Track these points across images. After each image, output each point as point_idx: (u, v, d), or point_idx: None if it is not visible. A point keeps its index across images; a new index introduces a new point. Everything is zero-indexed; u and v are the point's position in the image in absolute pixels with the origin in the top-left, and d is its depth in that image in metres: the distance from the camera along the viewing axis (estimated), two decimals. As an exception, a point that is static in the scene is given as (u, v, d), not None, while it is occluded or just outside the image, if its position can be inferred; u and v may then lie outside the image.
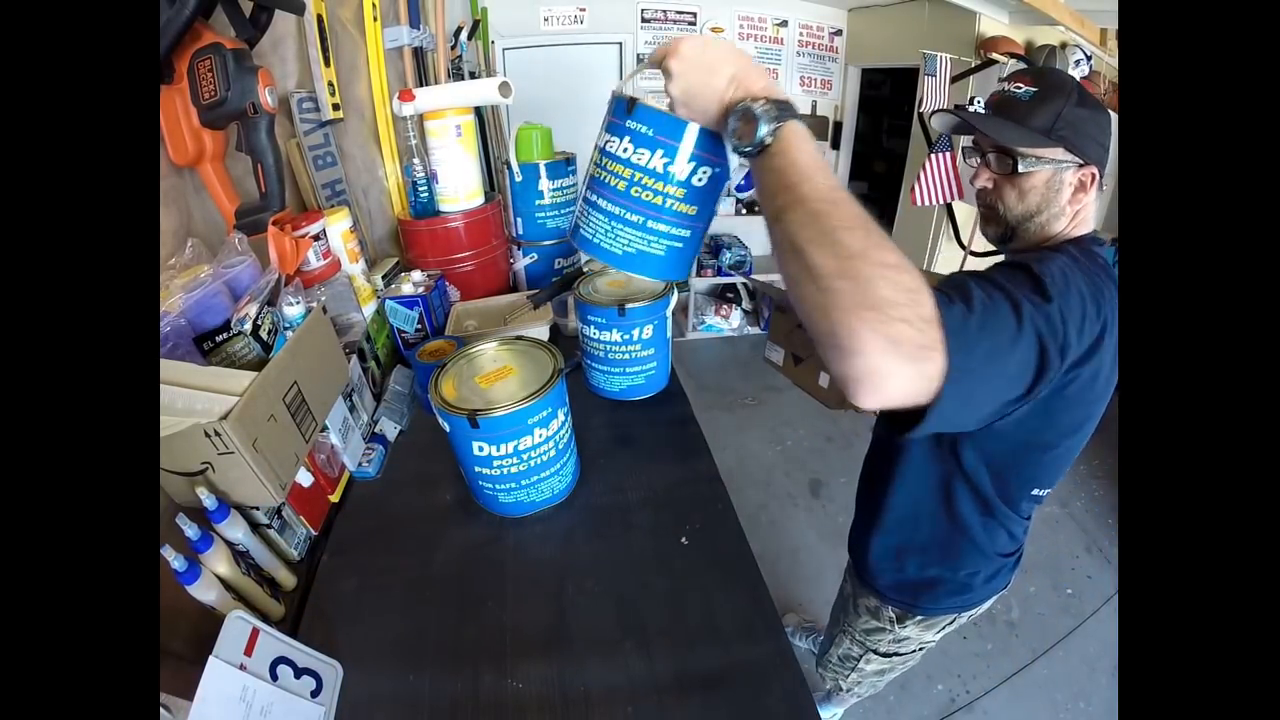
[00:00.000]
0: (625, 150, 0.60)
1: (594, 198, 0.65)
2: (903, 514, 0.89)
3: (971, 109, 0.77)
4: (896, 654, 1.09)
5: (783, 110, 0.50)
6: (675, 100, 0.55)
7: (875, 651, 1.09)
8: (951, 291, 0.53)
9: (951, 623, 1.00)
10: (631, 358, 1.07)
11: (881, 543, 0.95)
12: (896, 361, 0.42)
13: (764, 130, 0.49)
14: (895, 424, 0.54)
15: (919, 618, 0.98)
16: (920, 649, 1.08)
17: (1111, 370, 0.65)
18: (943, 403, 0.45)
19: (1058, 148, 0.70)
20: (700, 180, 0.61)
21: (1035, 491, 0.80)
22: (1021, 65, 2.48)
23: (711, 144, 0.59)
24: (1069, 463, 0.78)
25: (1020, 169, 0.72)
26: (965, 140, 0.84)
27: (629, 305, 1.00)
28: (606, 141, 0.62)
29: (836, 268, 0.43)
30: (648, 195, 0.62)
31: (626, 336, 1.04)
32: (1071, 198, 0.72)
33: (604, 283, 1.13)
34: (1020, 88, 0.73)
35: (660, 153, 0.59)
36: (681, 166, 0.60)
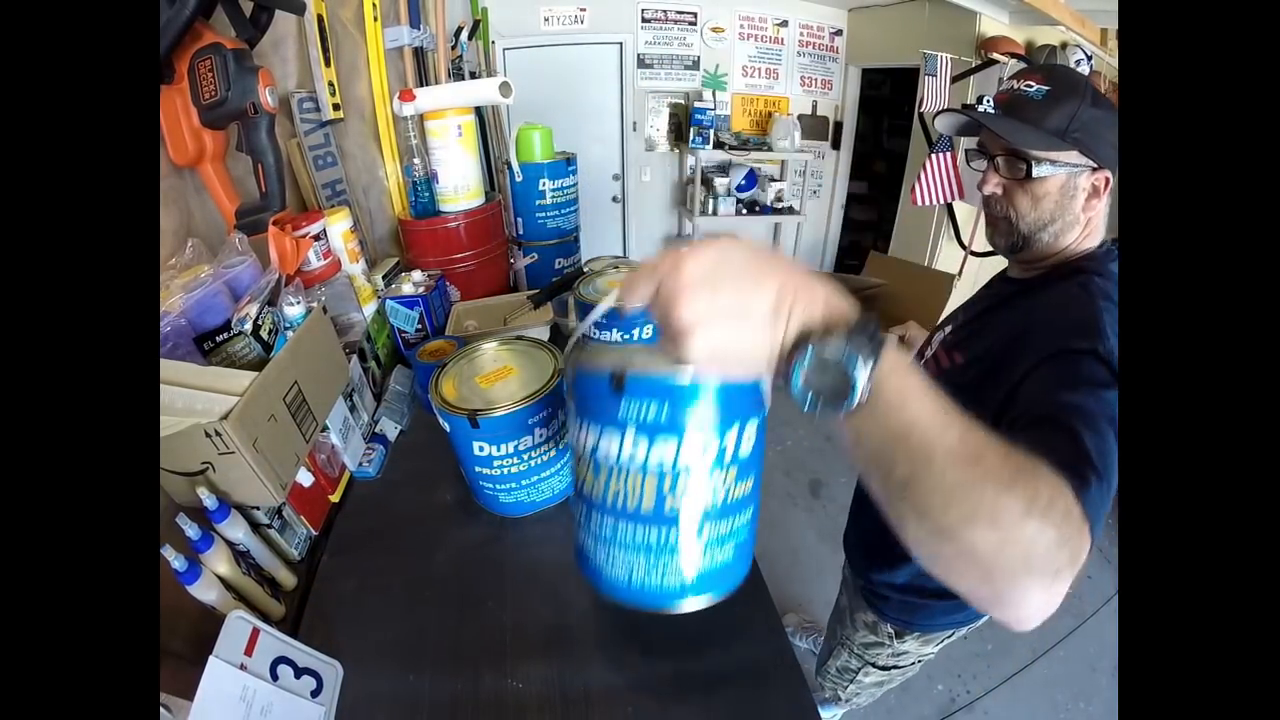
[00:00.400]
0: (640, 452, 0.42)
1: (612, 529, 0.47)
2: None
3: (980, 109, 0.73)
4: (895, 666, 1.08)
5: (868, 338, 0.34)
6: (696, 364, 0.36)
7: (874, 665, 1.08)
8: (1078, 461, 0.47)
9: (950, 636, 0.99)
10: (632, 358, 1.06)
11: (880, 560, 0.93)
12: (1057, 600, 0.37)
13: (859, 385, 0.33)
14: None
15: (917, 633, 0.98)
16: (919, 661, 1.07)
17: None
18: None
19: (1072, 151, 0.66)
20: (749, 444, 0.45)
21: None
22: (1022, 64, 2.48)
23: (751, 390, 0.43)
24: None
25: (1034, 174, 0.68)
26: (969, 142, 0.80)
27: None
28: (601, 442, 0.43)
29: (999, 541, 0.34)
30: (693, 501, 0.44)
31: (627, 337, 1.04)
32: (1085, 204, 0.69)
33: (604, 283, 1.13)
34: (1031, 86, 0.69)
35: (699, 437, 0.41)
36: (731, 441, 0.43)
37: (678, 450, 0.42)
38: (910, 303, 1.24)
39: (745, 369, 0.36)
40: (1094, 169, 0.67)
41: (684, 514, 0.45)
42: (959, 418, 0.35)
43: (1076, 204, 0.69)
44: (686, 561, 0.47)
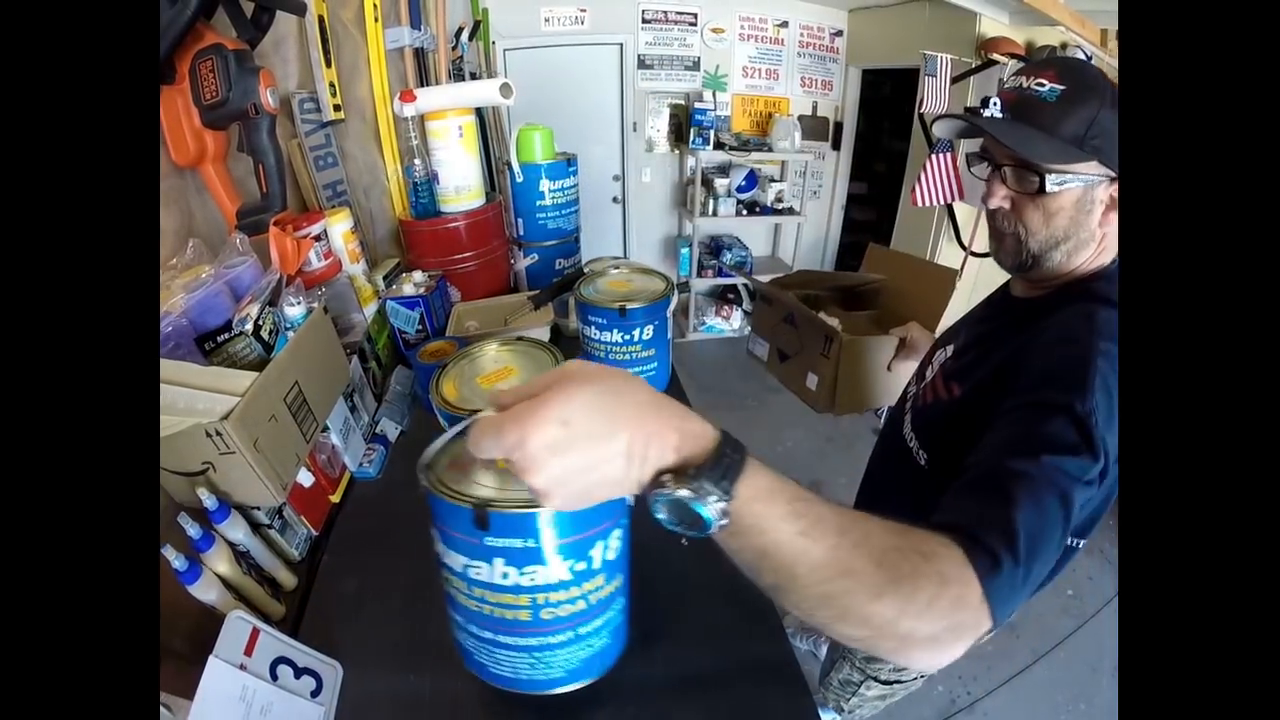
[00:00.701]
0: (506, 575, 0.45)
1: (487, 634, 0.50)
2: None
3: (986, 112, 0.65)
4: (898, 681, 1.06)
5: (721, 474, 0.35)
6: (557, 509, 0.38)
7: (876, 679, 1.07)
8: (1000, 541, 0.44)
9: None
10: (632, 358, 1.07)
11: None
12: (958, 652, 0.41)
13: (712, 521, 0.35)
14: None
15: None
16: (921, 676, 1.06)
17: None
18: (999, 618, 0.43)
19: (1091, 160, 0.59)
20: (614, 552, 0.50)
21: (1076, 541, 0.74)
22: (1021, 63, 2.48)
23: (613, 508, 0.47)
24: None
25: (1048, 187, 0.60)
26: (970, 144, 0.71)
27: (629, 306, 0.99)
28: (467, 566, 0.46)
29: (872, 635, 0.39)
30: (565, 609, 0.48)
31: (627, 337, 1.04)
32: (1102, 218, 0.62)
33: (605, 283, 1.13)
34: (1044, 85, 0.60)
35: (565, 561, 0.45)
36: (598, 554, 0.48)
37: (547, 572, 0.45)
38: (912, 299, 1.23)
39: (608, 498, 0.37)
40: (1113, 179, 0.60)
41: (559, 621, 0.49)
42: (830, 531, 0.37)
43: (1093, 219, 0.62)
44: (566, 656, 0.52)
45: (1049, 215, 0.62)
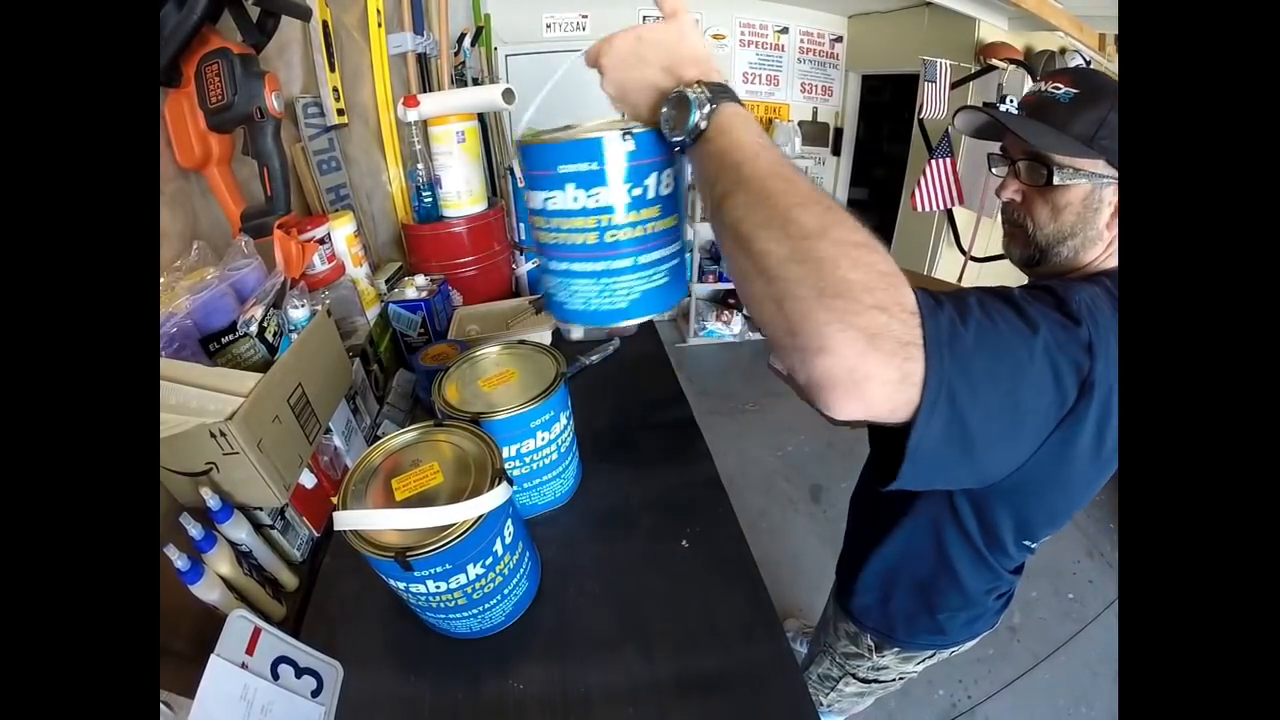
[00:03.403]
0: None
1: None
2: (890, 546, 0.86)
3: (1003, 109, 0.70)
4: (876, 680, 1.06)
5: (717, 93, 0.46)
6: (610, 99, 0.53)
7: (854, 676, 1.07)
8: (942, 297, 0.42)
9: (931, 657, 0.98)
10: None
11: (864, 570, 0.92)
12: (875, 358, 0.34)
13: (696, 115, 0.45)
14: (878, 471, 0.46)
15: (896, 649, 0.97)
16: (901, 678, 1.05)
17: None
18: (930, 423, 0.37)
19: (1099, 159, 0.61)
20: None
21: (1026, 542, 0.74)
22: (1021, 69, 2.49)
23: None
24: (1065, 519, 0.71)
25: (1055, 180, 0.63)
26: (973, 147, 0.78)
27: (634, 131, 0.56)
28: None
29: (790, 251, 0.36)
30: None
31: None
32: (1110, 220, 0.63)
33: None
34: (1059, 89, 0.63)
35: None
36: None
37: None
38: None
39: (637, 107, 0.51)
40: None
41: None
42: (786, 158, 0.44)
43: (1100, 219, 0.63)
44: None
45: (1056, 210, 0.64)
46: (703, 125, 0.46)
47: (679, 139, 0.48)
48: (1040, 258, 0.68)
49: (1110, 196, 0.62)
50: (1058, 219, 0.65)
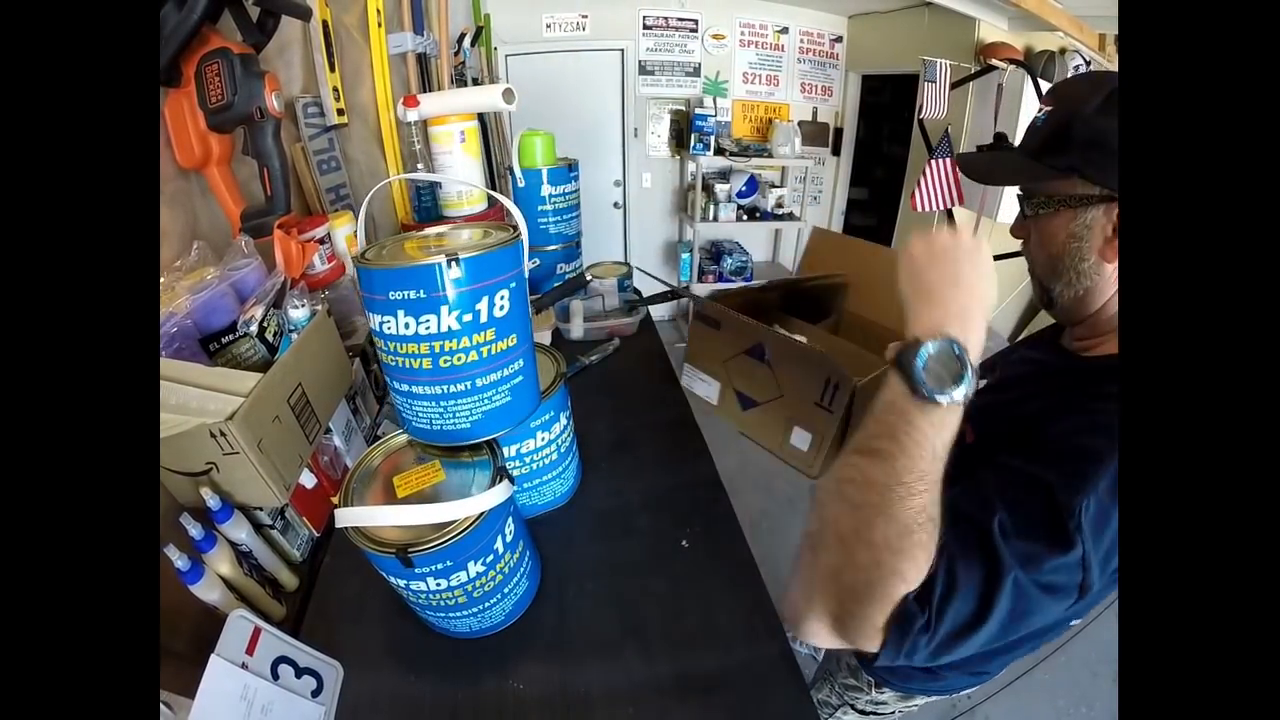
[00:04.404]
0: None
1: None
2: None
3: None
4: (874, 714, 1.04)
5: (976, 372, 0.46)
6: (904, 289, 0.52)
7: (852, 707, 1.05)
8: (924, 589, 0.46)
9: (932, 698, 0.97)
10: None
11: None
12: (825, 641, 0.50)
13: (967, 381, 0.46)
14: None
15: (896, 692, 0.96)
16: (898, 713, 1.03)
17: None
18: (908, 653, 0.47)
19: (1071, 177, 0.53)
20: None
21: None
22: (1021, 69, 2.49)
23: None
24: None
25: (1026, 210, 0.58)
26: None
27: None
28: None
29: (849, 556, 0.48)
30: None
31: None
32: (1105, 248, 0.54)
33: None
34: (1042, 111, 0.57)
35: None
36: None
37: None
38: (885, 299, 0.96)
39: (930, 307, 0.50)
40: (1110, 198, 0.52)
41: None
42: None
43: (1090, 246, 0.54)
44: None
45: (1041, 242, 0.59)
46: (968, 394, 0.46)
47: (926, 390, 0.46)
48: (1048, 298, 0.62)
49: (1099, 217, 0.53)
50: (1045, 250, 0.59)
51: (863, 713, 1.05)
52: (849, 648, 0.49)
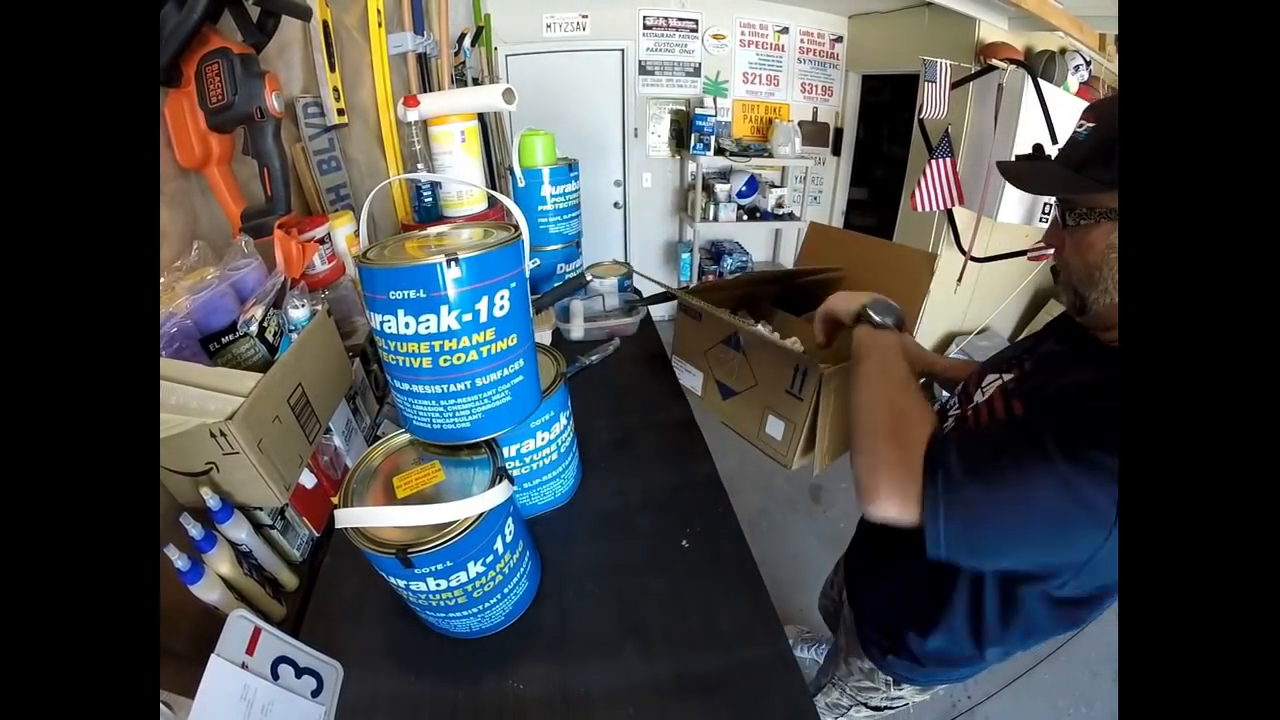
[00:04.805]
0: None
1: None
2: (931, 611, 0.78)
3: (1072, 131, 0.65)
4: (888, 708, 1.05)
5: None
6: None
7: (866, 705, 1.06)
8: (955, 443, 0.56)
9: (946, 687, 0.98)
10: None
11: (895, 624, 0.87)
12: (880, 505, 0.57)
13: (892, 317, 0.75)
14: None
15: (915, 686, 0.95)
16: (911, 705, 1.04)
17: None
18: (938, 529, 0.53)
19: (1112, 191, 0.55)
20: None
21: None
22: (1021, 70, 2.49)
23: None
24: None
25: (1069, 220, 0.60)
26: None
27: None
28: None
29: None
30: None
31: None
32: None
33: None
34: (1082, 125, 0.60)
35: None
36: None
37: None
38: (877, 291, 0.92)
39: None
40: None
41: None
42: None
43: None
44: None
45: (1078, 250, 0.61)
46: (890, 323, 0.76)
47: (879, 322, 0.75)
48: (1080, 304, 0.64)
49: None
50: (1082, 259, 0.60)
51: (877, 708, 1.05)
52: (908, 519, 0.55)
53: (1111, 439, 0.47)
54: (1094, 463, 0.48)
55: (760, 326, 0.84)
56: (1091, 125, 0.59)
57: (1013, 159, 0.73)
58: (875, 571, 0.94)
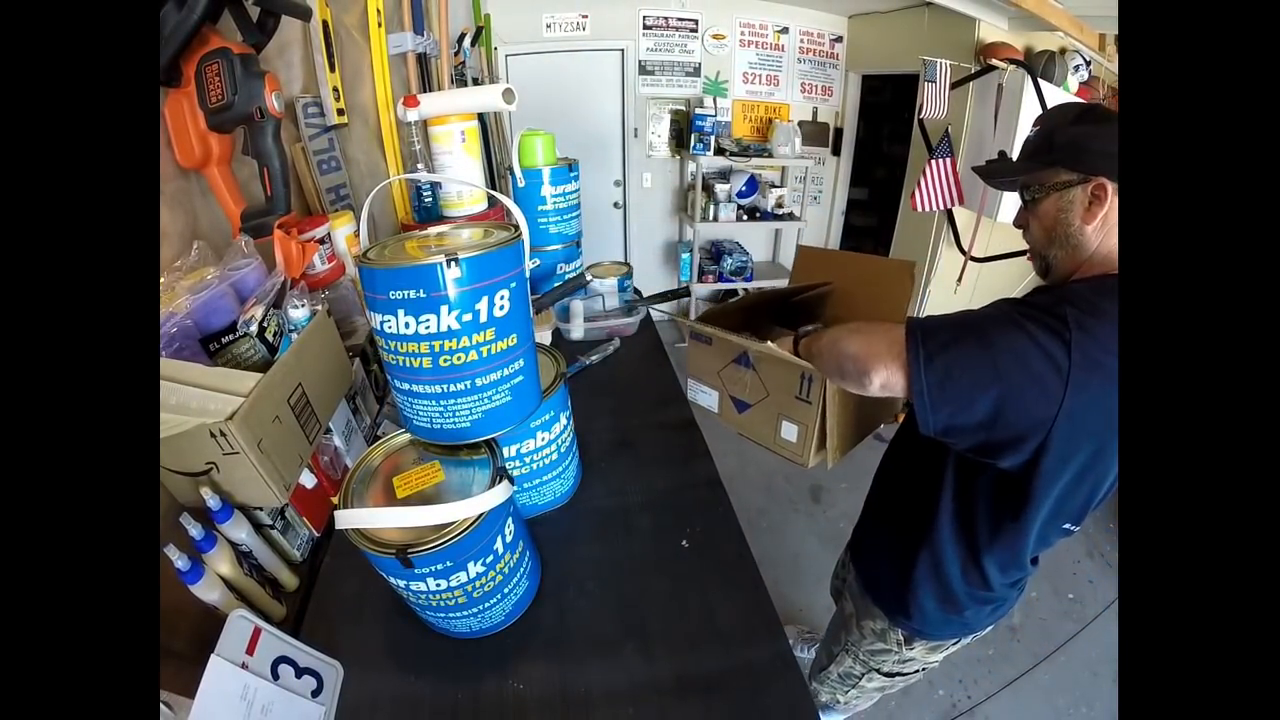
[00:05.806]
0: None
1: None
2: (920, 545, 0.88)
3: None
4: (900, 674, 1.08)
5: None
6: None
7: (879, 671, 1.09)
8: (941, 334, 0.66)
9: (956, 643, 1.00)
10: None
11: (898, 568, 0.94)
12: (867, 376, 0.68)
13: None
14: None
15: (925, 641, 0.98)
16: (923, 669, 1.07)
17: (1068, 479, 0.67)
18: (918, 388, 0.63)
19: (1056, 169, 0.71)
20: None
21: (1066, 525, 0.79)
22: (1020, 70, 2.49)
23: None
24: (1048, 541, 0.81)
25: (1026, 197, 0.76)
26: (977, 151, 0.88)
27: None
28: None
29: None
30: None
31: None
32: (1085, 215, 0.69)
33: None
34: (1033, 130, 0.76)
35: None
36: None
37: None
38: (865, 301, 1.13)
39: None
40: (1085, 180, 0.69)
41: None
42: None
43: (1074, 216, 0.71)
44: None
45: (1038, 220, 0.76)
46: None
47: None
48: (1045, 266, 0.78)
49: (1078, 196, 0.70)
50: (1042, 228, 0.75)
51: (889, 674, 1.09)
52: (898, 382, 0.66)
53: (1059, 316, 0.61)
54: (1046, 325, 0.61)
55: (769, 344, 0.91)
56: (1037, 129, 0.76)
57: (983, 162, 0.89)
58: (875, 527, 1.06)
